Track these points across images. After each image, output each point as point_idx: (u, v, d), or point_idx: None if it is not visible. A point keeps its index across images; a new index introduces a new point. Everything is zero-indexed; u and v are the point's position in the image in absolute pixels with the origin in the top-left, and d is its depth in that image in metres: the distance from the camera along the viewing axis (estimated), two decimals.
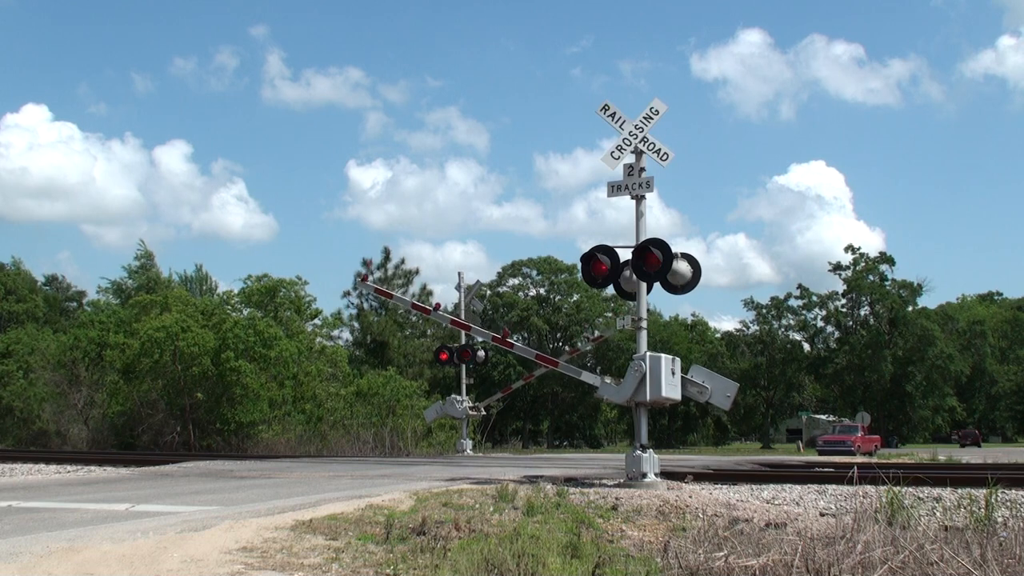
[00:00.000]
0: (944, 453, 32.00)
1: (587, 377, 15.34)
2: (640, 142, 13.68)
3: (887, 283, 79.66)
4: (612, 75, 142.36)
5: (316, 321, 45.92)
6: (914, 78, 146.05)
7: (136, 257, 61.45)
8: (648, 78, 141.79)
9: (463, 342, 28.36)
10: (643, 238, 13.47)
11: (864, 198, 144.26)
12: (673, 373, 13.23)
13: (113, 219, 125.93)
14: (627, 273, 13.63)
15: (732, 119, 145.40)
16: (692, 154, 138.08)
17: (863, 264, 80.00)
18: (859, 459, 28.80)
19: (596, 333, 50.81)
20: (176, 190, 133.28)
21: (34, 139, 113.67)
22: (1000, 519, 9.06)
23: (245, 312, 39.75)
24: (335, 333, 61.54)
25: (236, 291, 42.74)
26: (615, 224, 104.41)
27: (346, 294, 64.64)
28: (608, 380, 13.95)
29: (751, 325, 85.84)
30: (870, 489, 10.44)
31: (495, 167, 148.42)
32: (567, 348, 48.24)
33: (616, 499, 11.27)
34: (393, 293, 21.48)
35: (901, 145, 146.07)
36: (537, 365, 24.14)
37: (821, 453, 41.89)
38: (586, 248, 14.96)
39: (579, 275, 46.65)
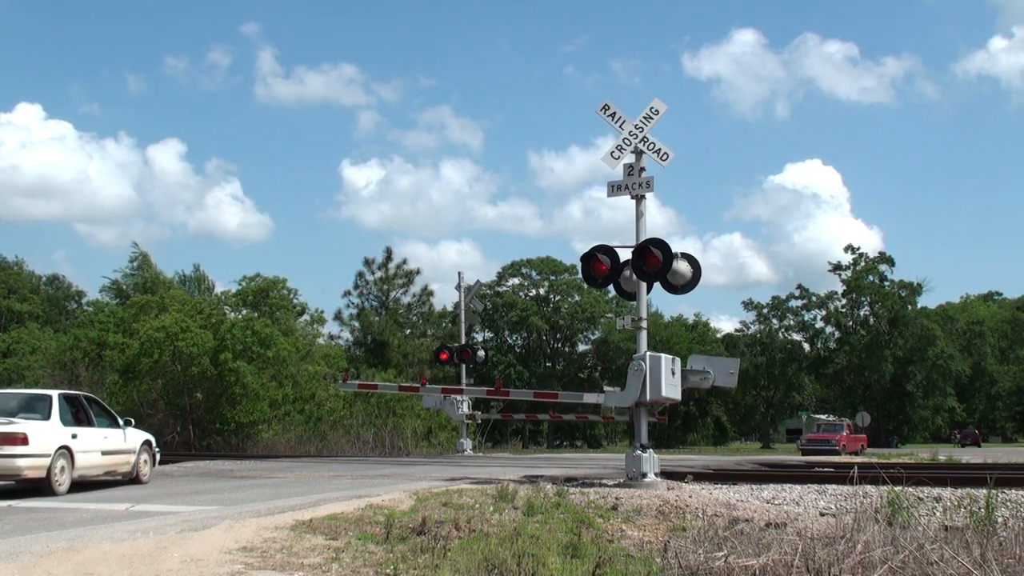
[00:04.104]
0: (944, 453, 31.95)
1: (589, 398, 15.43)
2: (640, 142, 13.67)
3: (887, 283, 79.58)
4: (605, 74, 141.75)
5: (305, 317, 46.06)
6: (908, 76, 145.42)
7: (131, 259, 60.62)
8: (642, 76, 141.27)
9: (463, 342, 28.37)
10: (643, 238, 13.45)
11: (861, 196, 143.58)
12: (673, 373, 13.23)
13: (108, 218, 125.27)
14: (627, 273, 13.62)
15: (727, 118, 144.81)
16: (687, 153, 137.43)
17: (863, 264, 79.92)
18: (843, 458, 28.48)
19: None
20: (171, 189, 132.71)
21: (27, 137, 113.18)
22: (1000, 519, 9.05)
23: (242, 312, 39.75)
24: (335, 332, 61.73)
25: (233, 291, 42.76)
26: (611, 223, 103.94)
27: (346, 293, 64.64)
28: (609, 388, 13.99)
29: (751, 325, 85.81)
30: (870, 489, 10.44)
31: (489, 166, 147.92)
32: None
33: (616, 499, 11.27)
34: (378, 383, 21.76)
35: (897, 143, 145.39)
36: (542, 403, 24.06)
37: (804, 452, 40.01)
38: (582, 247, 15.03)
39: (578, 275, 46.75)
